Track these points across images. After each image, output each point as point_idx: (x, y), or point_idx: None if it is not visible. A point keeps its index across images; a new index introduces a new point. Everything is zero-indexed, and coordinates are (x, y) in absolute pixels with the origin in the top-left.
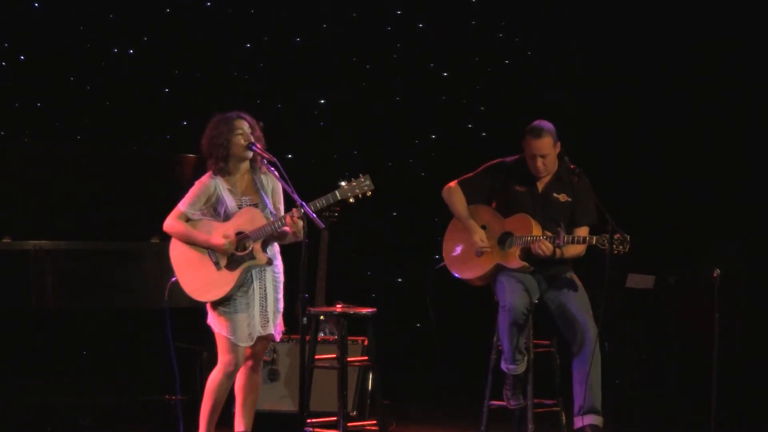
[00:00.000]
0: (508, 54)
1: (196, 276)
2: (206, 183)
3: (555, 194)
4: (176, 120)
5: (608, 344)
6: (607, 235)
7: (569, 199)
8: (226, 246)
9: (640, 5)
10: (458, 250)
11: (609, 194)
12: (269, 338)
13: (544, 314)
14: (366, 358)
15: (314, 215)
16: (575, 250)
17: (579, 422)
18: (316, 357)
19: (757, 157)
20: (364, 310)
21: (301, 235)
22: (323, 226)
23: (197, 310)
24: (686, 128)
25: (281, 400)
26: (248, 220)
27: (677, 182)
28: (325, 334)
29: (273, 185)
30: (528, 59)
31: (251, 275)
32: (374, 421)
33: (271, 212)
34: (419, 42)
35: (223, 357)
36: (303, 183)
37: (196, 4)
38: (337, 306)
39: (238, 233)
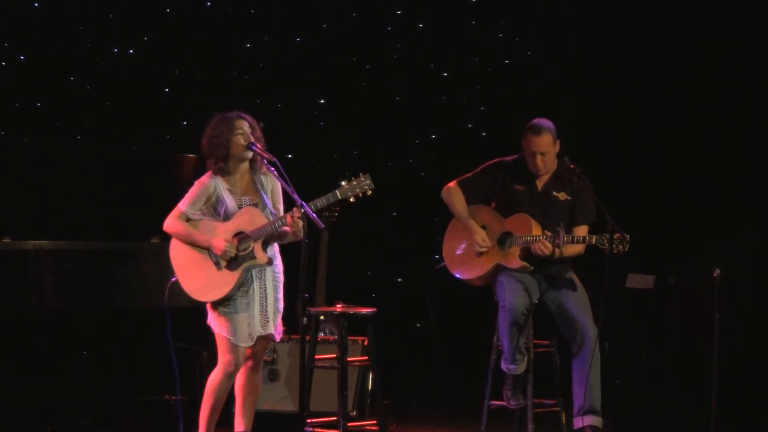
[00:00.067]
0: (508, 54)
1: (196, 276)
2: (206, 183)
3: (555, 193)
4: (176, 120)
5: (608, 344)
6: (607, 235)
7: (569, 198)
8: (226, 248)
9: (640, 5)
10: (458, 250)
11: (609, 194)
12: (269, 338)
13: (544, 314)
14: (366, 358)
15: (314, 215)
16: (575, 249)
17: (578, 423)
18: (316, 357)
19: (757, 157)
20: (364, 310)
21: (301, 235)
22: (323, 226)
23: (197, 310)
24: (686, 128)
25: (281, 400)
26: (248, 219)
27: (677, 182)
28: (325, 334)
29: (272, 185)
30: (528, 59)
31: (251, 275)
32: (374, 421)
33: (271, 212)
34: (419, 42)
35: (223, 357)
36: (303, 183)
37: (196, 4)
38: (337, 306)
39: (238, 233)
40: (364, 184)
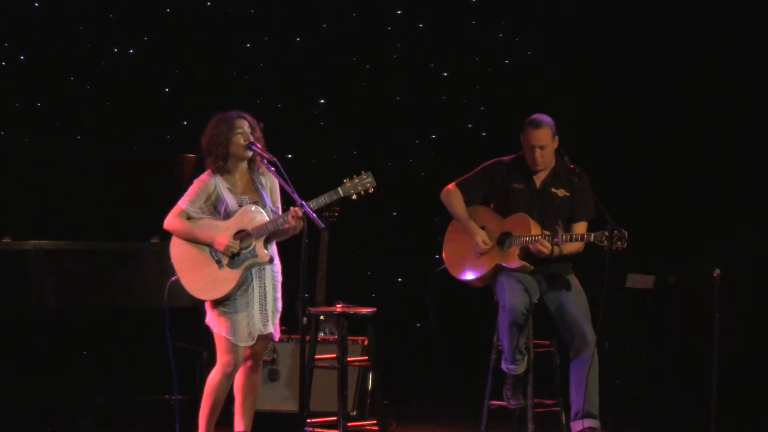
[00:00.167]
0: (508, 54)
1: (197, 275)
2: (206, 181)
3: (553, 189)
4: (176, 120)
5: (608, 344)
6: (605, 232)
7: (567, 194)
8: (229, 244)
9: (640, 5)
10: (459, 251)
11: (609, 194)
12: (269, 338)
13: (544, 314)
14: (366, 358)
15: (314, 215)
16: (574, 247)
17: (577, 426)
18: (316, 357)
19: (757, 157)
20: (364, 310)
21: (299, 229)
22: (323, 226)
23: (197, 310)
24: (686, 128)
25: (281, 400)
26: (249, 218)
27: (677, 182)
28: (325, 334)
29: (271, 184)
30: (528, 59)
31: (251, 274)
32: (374, 421)
33: (271, 210)
34: (419, 42)
35: (222, 357)
36: (303, 183)
37: (196, 4)
38: (337, 306)
39: (240, 231)
40: (366, 182)
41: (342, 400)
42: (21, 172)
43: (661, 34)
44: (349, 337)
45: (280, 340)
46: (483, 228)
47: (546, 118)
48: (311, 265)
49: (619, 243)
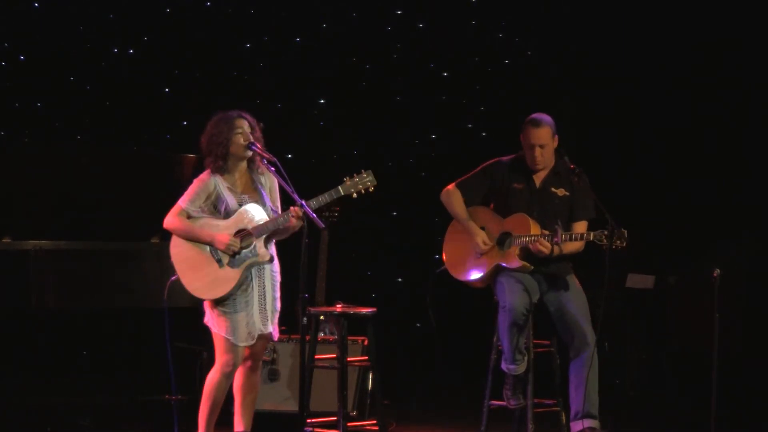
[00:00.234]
0: (508, 54)
1: (198, 274)
2: (206, 180)
3: (553, 189)
4: (176, 120)
5: (608, 344)
6: (604, 231)
7: (567, 194)
8: (230, 242)
9: (640, 5)
10: (459, 252)
11: (609, 194)
12: (268, 338)
13: (544, 314)
14: (366, 358)
15: (314, 215)
16: (573, 246)
17: (576, 427)
18: (316, 357)
19: (757, 157)
20: (364, 310)
21: (299, 227)
22: (323, 226)
23: (197, 310)
24: (686, 128)
25: (281, 400)
26: (250, 217)
27: (677, 182)
28: (325, 334)
29: (270, 183)
30: (528, 59)
31: (251, 273)
32: (374, 421)
33: (271, 209)
34: (419, 42)
35: (220, 357)
36: (303, 183)
37: (196, 4)
38: (337, 306)
39: (240, 230)
40: (366, 180)
41: (342, 400)
42: (21, 172)
43: (661, 34)
44: (349, 337)
45: (280, 340)
46: (483, 228)
47: (546, 117)
48: (311, 265)
49: (618, 242)
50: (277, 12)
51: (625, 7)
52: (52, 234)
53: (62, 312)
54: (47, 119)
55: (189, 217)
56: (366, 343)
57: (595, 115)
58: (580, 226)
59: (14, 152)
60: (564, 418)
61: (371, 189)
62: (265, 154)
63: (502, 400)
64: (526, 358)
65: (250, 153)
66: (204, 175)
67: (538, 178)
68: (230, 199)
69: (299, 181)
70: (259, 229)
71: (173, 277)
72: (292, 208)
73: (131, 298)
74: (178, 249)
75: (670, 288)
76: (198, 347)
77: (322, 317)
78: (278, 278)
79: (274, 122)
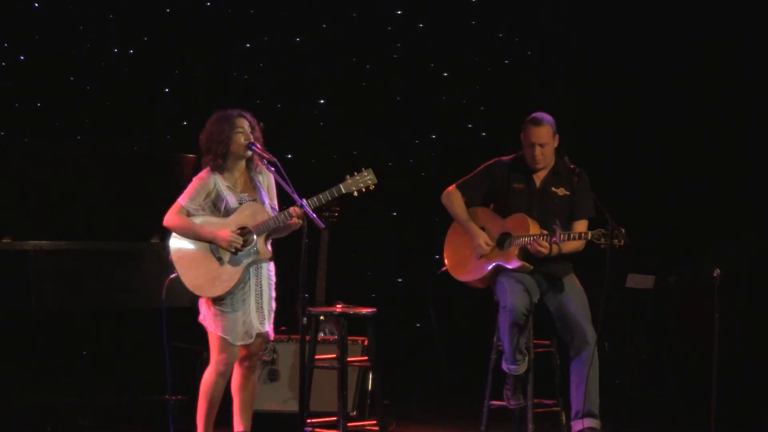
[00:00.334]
0: (508, 54)
1: (198, 272)
2: (205, 179)
3: (553, 188)
4: (176, 120)
5: (608, 344)
6: (602, 230)
7: (567, 193)
8: (232, 239)
9: (640, 5)
10: (459, 253)
11: (609, 194)
12: (265, 337)
13: (545, 314)
14: (366, 358)
15: (314, 215)
16: (573, 245)
17: (577, 426)
18: (316, 357)
19: (757, 157)
20: (364, 310)
21: (299, 226)
22: (323, 226)
23: (197, 309)
24: (686, 128)
25: (281, 400)
26: (250, 215)
27: (677, 182)
28: (325, 334)
29: (268, 182)
30: (528, 59)
31: (249, 272)
32: (374, 421)
33: (271, 207)
34: (419, 42)
35: (215, 356)
36: (303, 183)
37: (196, 4)
38: (337, 306)
39: (241, 228)
40: (367, 179)
41: (342, 400)
42: (21, 172)
43: (661, 34)
44: (349, 337)
45: (280, 340)
46: (482, 229)
47: (546, 117)
48: (311, 265)
49: (615, 240)
50: (277, 12)
51: (625, 7)
52: (52, 234)
53: (62, 312)
54: (47, 119)
55: (189, 214)
56: (366, 343)
57: (595, 115)
58: (580, 226)
59: (14, 152)
60: (564, 418)
61: (372, 187)
62: (265, 154)
63: (502, 400)
64: (526, 358)
65: (249, 153)
66: (203, 174)
67: (539, 178)
68: (230, 198)
69: (299, 181)
70: (260, 227)
71: (172, 276)
72: (292, 208)
73: (131, 298)
74: (177, 247)
75: (670, 288)
76: (198, 347)
77: (322, 317)
78: (274, 278)
79: (274, 122)
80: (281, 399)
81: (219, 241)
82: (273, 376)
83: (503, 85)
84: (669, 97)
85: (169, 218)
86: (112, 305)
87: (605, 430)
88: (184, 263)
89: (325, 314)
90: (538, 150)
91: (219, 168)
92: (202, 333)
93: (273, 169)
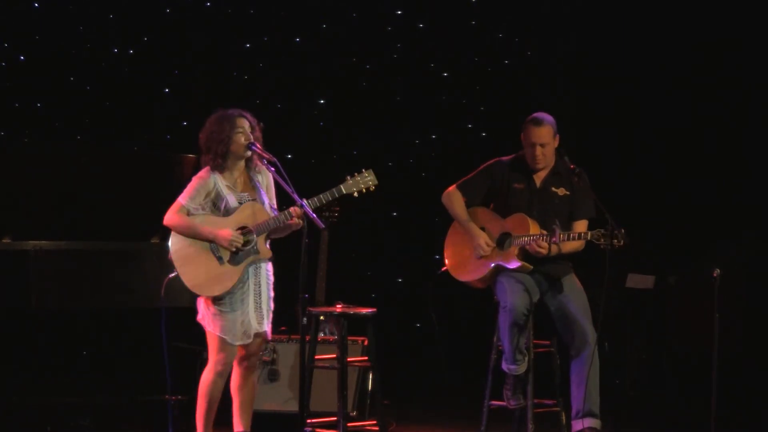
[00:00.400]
0: (508, 54)
1: (198, 271)
2: (205, 178)
3: (554, 188)
4: (176, 120)
5: (608, 344)
6: (601, 230)
7: (568, 193)
8: (233, 238)
9: (640, 5)
10: (460, 253)
11: (609, 194)
12: (264, 336)
13: (545, 314)
14: (366, 358)
15: (314, 215)
16: (572, 245)
17: (577, 426)
18: (316, 357)
19: (757, 157)
20: (364, 310)
21: (299, 226)
22: (323, 226)
23: (196, 309)
24: (686, 128)
25: (281, 400)
26: (250, 215)
27: (677, 182)
28: (325, 334)
29: (267, 182)
30: (528, 59)
31: (248, 272)
32: (374, 421)
33: (271, 207)
34: (419, 42)
35: (213, 356)
36: (303, 183)
37: (196, 4)
38: (337, 306)
39: (242, 227)
40: (367, 180)
41: (342, 400)
42: (21, 172)
43: (661, 34)
44: (349, 337)
45: (280, 340)
46: (482, 229)
47: (547, 117)
48: (311, 265)
49: (615, 241)
50: (277, 12)
51: (625, 7)
52: (52, 234)
53: (62, 312)
54: (47, 119)
55: (189, 214)
56: (366, 343)
57: (595, 115)
58: (580, 225)
59: (14, 152)
60: (564, 418)
61: (372, 188)
62: (265, 154)
63: (502, 400)
64: (526, 359)
65: (249, 153)
66: (203, 173)
67: (539, 178)
68: (230, 197)
69: (299, 181)
70: (260, 227)
71: (171, 275)
72: (292, 208)
73: (131, 298)
74: (177, 246)
75: (670, 288)
76: (198, 347)
77: (322, 317)
78: (272, 278)
79: (274, 122)
80: (281, 399)
81: (220, 240)
82: (273, 376)
83: (503, 85)
84: (669, 97)
85: (170, 217)
86: (112, 305)
87: (605, 430)
88: (184, 262)
89: (325, 314)
90: (538, 150)
91: (219, 167)
92: (202, 333)
93: (273, 169)
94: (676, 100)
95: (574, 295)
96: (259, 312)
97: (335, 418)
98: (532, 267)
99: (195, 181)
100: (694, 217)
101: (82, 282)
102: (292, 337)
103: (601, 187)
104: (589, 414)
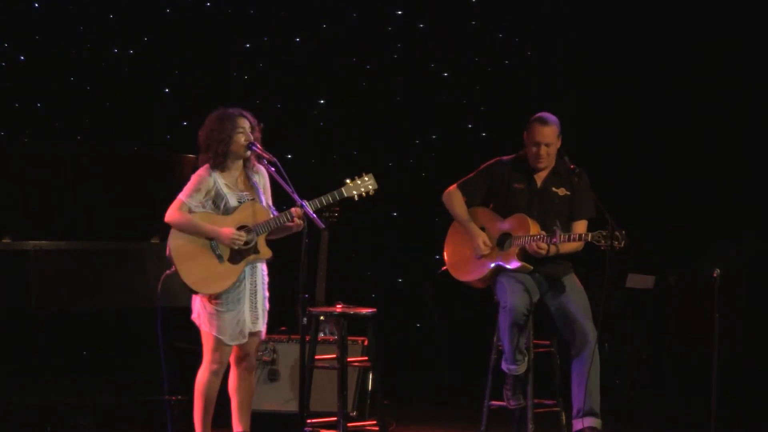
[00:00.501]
0: (508, 54)
1: (197, 268)
2: (205, 176)
3: (554, 188)
4: (176, 120)
5: (608, 344)
6: (602, 231)
7: (568, 193)
8: (235, 236)
9: (640, 5)
10: (460, 253)
11: (609, 194)
12: (259, 336)
13: (545, 314)
14: (366, 358)
15: (314, 215)
16: (572, 246)
17: (578, 425)
18: (316, 357)
19: (757, 157)
20: (364, 310)
21: (300, 228)
22: (323, 226)
23: (191, 308)
24: (686, 128)
25: (281, 400)
26: (251, 214)
27: (677, 182)
28: (325, 334)
29: (264, 182)
30: (528, 59)
31: (245, 271)
32: (374, 421)
33: (270, 207)
34: (419, 42)
35: (208, 355)
36: (303, 183)
37: (196, 4)
38: (337, 306)
39: (242, 227)
40: (367, 184)
41: (342, 400)
42: (21, 172)
43: (661, 34)
44: (349, 337)
45: (280, 340)
46: (482, 228)
47: (553, 117)
48: (311, 265)
49: (615, 242)
50: (277, 12)
51: (625, 7)
52: (52, 234)
53: (62, 312)
54: (47, 119)
55: (190, 211)
56: (366, 343)
57: (595, 115)
58: (580, 226)
59: (14, 152)
60: (564, 418)
61: (372, 192)
62: (265, 154)
63: (502, 400)
64: (526, 359)
65: (249, 153)
66: (202, 171)
67: (539, 178)
68: (230, 197)
69: (299, 181)
70: (261, 227)
71: (168, 271)
72: (292, 208)
73: (131, 298)
74: (177, 242)
75: (670, 288)
76: (198, 347)
77: (322, 317)
78: (267, 277)
79: (274, 122)
80: (281, 399)
81: (222, 238)
82: (273, 376)
83: (503, 85)
84: (669, 97)
85: (171, 214)
86: (112, 305)
87: (605, 429)
88: (183, 258)
89: (325, 314)
90: (543, 149)
91: (219, 166)
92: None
93: (273, 169)
94: (676, 100)
95: (574, 295)
96: (254, 312)
97: (335, 418)
98: (532, 267)
99: (195, 178)
100: (694, 217)
101: (82, 282)
102: (292, 337)
103: (601, 187)
104: (590, 413)
